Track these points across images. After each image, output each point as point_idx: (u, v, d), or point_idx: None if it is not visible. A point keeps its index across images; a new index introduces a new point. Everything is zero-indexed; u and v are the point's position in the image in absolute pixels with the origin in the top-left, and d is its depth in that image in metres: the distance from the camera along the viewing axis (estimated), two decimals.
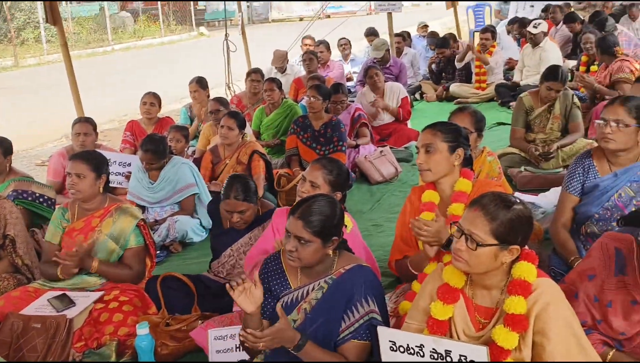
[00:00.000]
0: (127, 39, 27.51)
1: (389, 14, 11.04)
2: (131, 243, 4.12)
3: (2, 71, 18.98)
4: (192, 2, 33.01)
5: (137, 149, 6.85)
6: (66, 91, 10.26)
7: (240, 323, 3.34)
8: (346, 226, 3.13)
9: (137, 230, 4.14)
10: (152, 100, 7.18)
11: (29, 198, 4.98)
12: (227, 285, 2.78)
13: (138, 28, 29.23)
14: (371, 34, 12.48)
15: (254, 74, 8.38)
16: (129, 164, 6.01)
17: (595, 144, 3.97)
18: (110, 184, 4.42)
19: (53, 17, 7.14)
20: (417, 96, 11.09)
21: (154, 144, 5.63)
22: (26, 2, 23.77)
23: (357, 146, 7.21)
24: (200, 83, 8.00)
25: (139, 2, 31.57)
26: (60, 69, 18.20)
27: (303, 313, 2.92)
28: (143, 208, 5.61)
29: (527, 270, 2.59)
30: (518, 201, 2.63)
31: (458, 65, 10.86)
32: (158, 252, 4.95)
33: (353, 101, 8.11)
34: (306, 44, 11.30)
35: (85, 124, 5.97)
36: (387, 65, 10.07)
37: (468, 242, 2.56)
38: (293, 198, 6.13)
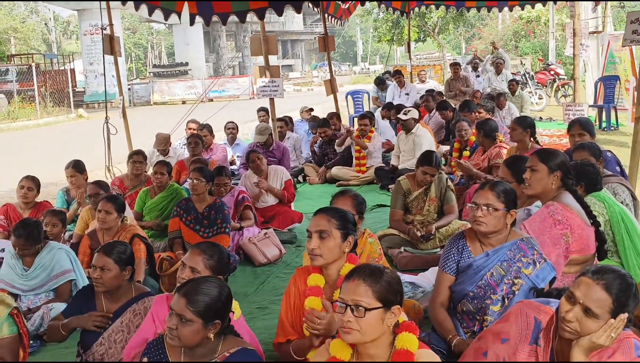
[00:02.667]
0: (0, 120, 26.58)
1: (271, 99, 11.29)
2: (4, 333, 3.89)
3: None
4: (70, 84, 32.49)
5: (10, 234, 6.56)
6: None
7: None
8: (234, 312, 3.12)
9: (10, 318, 3.92)
10: (30, 184, 6.94)
11: None
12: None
13: (12, 110, 28.32)
14: (262, 109, 12.81)
15: (136, 156, 8.29)
16: (2, 250, 5.75)
17: (469, 225, 4.18)
18: None
19: None
20: (300, 178, 11.30)
21: (28, 229, 5.40)
22: None
23: (241, 228, 7.22)
24: (77, 167, 7.78)
25: (14, 83, 30.67)
26: None
27: None
28: (15, 296, 5.34)
29: (409, 341, 2.74)
30: (386, 267, 2.81)
31: (338, 149, 11.20)
32: (31, 342, 4.71)
33: (237, 184, 8.16)
34: (190, 128, 11.35)
35: None
36: (270, 148, 10.25)
37: (355, 312, 2.65)
38: (176, 282, 6.00)
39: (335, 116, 12.19)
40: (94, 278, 4.09)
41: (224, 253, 3.73)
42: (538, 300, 3.23)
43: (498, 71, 16.89)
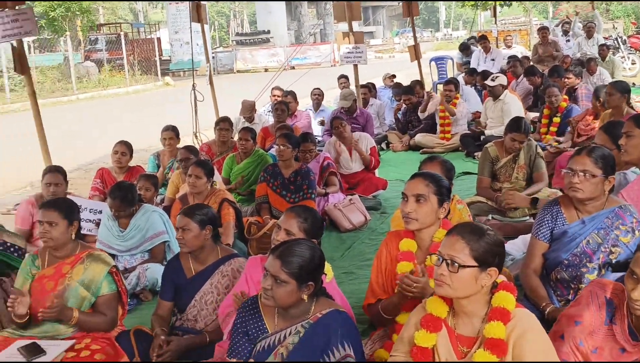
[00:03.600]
0: (91, 88, 27.48)
1: (355, 66, 11.24)
2: (104, 290, 4.07)
3: None
4: (157, 53, 33.22)
5: (106, 197, 6.82)
6: (30, 140, 10.19)
7: None
8: (326, 274, 3.17)
9: (109, 277, 4.10)
10: (124, 149, 7.18)
11: (0, 247, 4.92)
12: None
13: (103, 78, 29.23)
14: (343, 76, 12.83)
15: (223, 123, 8.44)
16: (100, 212, 5.97)
17: (559, 193, 4.08)
18: (81, 231, 4.40)
19: (21, 67, 7.13)
20: (384, 145, 11.26)
21: (123, 191, 5.61)
22: None
23: (326, 194, 7.28)
24: (175, 131, 8.04)
25: (103, 52, 31.61)
26: (24, 118, 18.14)
27: (280, 358, 2.93)
28: (113, 256, 5.56)
29: (506, 299, 2.73)
30: (490, 228, 2.81)
31: (421, 115, 11.09)
32: (128, 300, 4.89)
33: (321, 150, 8.21)
34: (275, 95, 11.44)
35: (56, 174, 5.93)
36: (354, 115, 10.23)
37: (449, 267, 2.66)
38: (263, 245, 6.15)
39: (418, 84, 12.04)
40: (178, 240, 4.21)
41: (317, 216, 3.78)
42: (611, 277, 3.17)
43: (589, 35, 16.25)
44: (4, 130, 17.23)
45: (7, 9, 6.75)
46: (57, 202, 4.21)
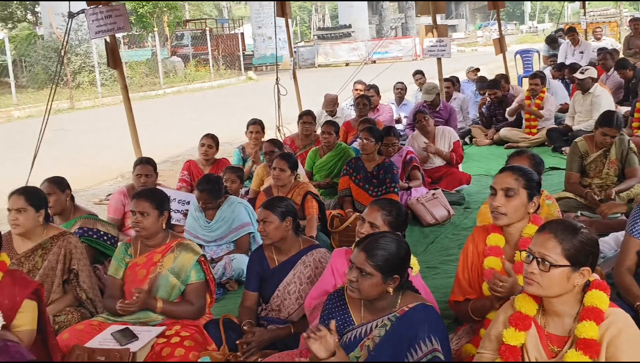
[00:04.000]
0: (178, 82, 28.19)
1: (438, 59, 11.13)
2: (192, 279, 4.19)
3: (58, 113, 19.51)
4: (241, 48, 33.74)
5: (193, 188, 7.00)
6: (120, 132, 10.52)
7: (300, 359, 3.37)
8: (412, 268, 3.16)
9: (197, 265, 4.21)
10: (210, 142, 7.35)
11: (94, 236, 5.13)
12: (304, 335, 2.85)
13: (188, 72, 29.93)
14: (418, 72, 12.71)
15: (306, 116, 8.52)
16: (188, 203, 6.14)
17: None
18: (170, 221, 4.53)
19: (114, 62, 7.38)
20: (467, 140, 11.11)
21: (210, 184, 5.74)
22: (82, 47, 24.57)
23: (409, 188, 7.25)
24: (261, 125, 8.17)
25: (189, 47, 32.35)
26: (114, 111, 18.80)
27: (366, 351, 2.94)
28: (200, 246, 5.69)
29: (599, 298, 2.64)
30: (584, 226, 2.69)
31: (510, 118, 10.85)
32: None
33: (404, 145, 8.17)
34: (357, 89, 11.45)
35: (147, 166, 6.12)
36: (437, 109, 10.13)
37: (540, 265, 2.60)
38: (346, 238, 6.17)
39: (503, 78, 11.80)
40: (259, 232, 4.28)
41: (402, 210, 3.77)
42: None
43: None
44: (96, 123, 17.90)
45: (100, 6, 7.00)
46: (148, 193, 4.35)
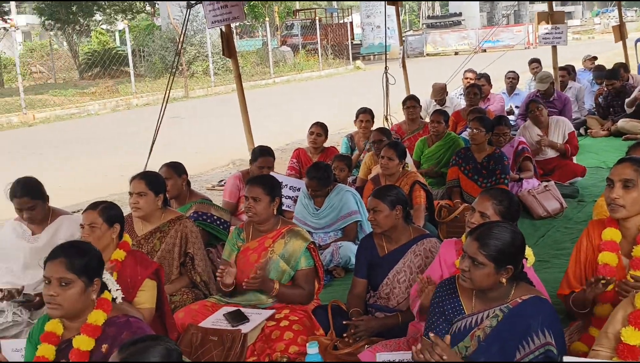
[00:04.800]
0: (287, 72, 28.61)
1: (553, 47, 10.78)
2: (302, 265, 4.27)
3: (173, 101, 20.23)
4: (349, 37, 33.82)
5: (301, 175, 7.12)
6: (231, 120, 10.80)
7: (409, 349, 3.38)
8: (527, 258, 3.10)
9: (307, 252, 4.29)
10: (320, 130, 7.43)
11: (208, 220, 5.32)
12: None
13: (298, 62, 30.32)
14: (534, 60, 12.34)
15: (409, 100, 8.54)
16: (298, 189, 6.24)
17: None
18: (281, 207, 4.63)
19: (229, 50, 7.59)
20: (582, 131, 10.71)
21: (320, 172, 5.82)
22: (197, 37, 25.31)
23: (520, 179, 7.08)
24: (371, 114, 8.20)
25: (298, 37, 32.76)
26: (227, 100, 19.28)
27: (476, 341, 2.91)
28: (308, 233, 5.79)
29: None
30: None
31: (628, 110, 10.38)
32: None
33: (515, 135, 7.98)
34: (467, 78, 11.25)
35: (269, 159, 6.27)
36: (551, 99, 9.82)
37: None
38: (454, 229, 6.10)
39: (622, 67, 11.29)
40: (369, 221, 4.29)
41: (514, 199, 3.70)
42: None
43: None
44: (209, 111, 18.45)
45: None
46: (262, 179, 4.46)
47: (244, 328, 3.95)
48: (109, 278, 3.04)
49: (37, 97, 20.93)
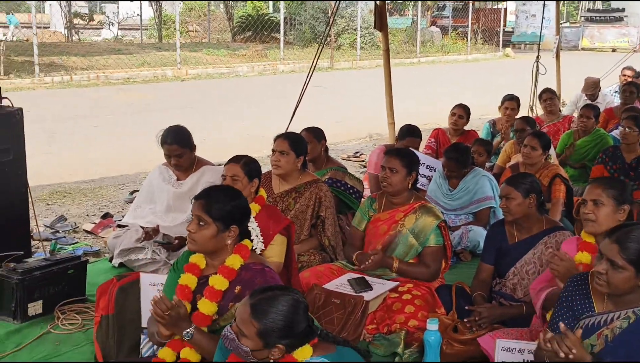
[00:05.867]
0: (433, 53, 28.28)
1: None
2: (431, 242, 4.27)
3: (318, 71, 20.49)
4: (501, 23, 32.95)
5: (437, 156, 7.06)
6: (373, 95, 10.84)
7: (531, 339, 3.32)
8: None
9: (437, 230, 4.28)
10: (462, 112, 7.32)
11: (342, 188, 5.41)
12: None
13: (445, 43, 29.88)
14: None
15: (545, 93, 8.36)
16: (434, 169, 6.20)
17: None
18: (416, 184, 4.63)
19: (381, 23, 7.62)
20: None
21: (459, 153, 5.76)
22: (348, 10, 25.50)
23: None
24: (517, 101, 8.00)
25: (449, 19, 32.26)
26: (370, 74, 19.34)
27: (603, 340, 2.81)
28: None
29: None
30: None
31: None
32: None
33: None
34: (625, 75, 10.70)
35: (414, 140, 6.26)
36: None
37: None
38: None
39: None
40: (501, 208, 4.20)
41: (623, 182, 3.56)
42: None
43: None
44: (352, 84, 18.60)
45: None
46: (400, 151, 4.49)
47: (367, 295, 4.01)
48: (254, 228, 3.18)
49: (192, 54, 21.85)
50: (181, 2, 25.83)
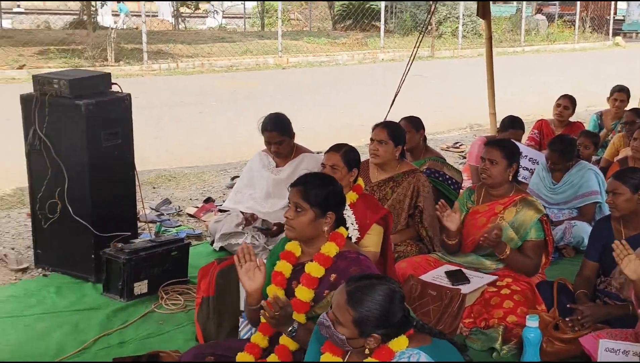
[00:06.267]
0: (538, 41, 27.42)
1: None
2: (531, 236, 4.15)
3: (418, 59, 20.24)
4: (612, 11, 31.59)
5: (541, 148, 6.86)
6: (475, 85, 10.62)
7: (637, 341, 3.20)
8: None
9: (539, 224, 4.16)
10: (567, 103, 7.10)
11: (440, 178, 5.35)
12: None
13: (551, 32, 28.90)
14: None
15: (618, 93, 7.73)
16: (537, 162, 6.03)
17: None
18: (518, 177, 4.52)
19: (483, 12, 7.47)
20: None
21: (564, 145, 5.60)
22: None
23: None
24: (627, 93, 7.64)
25: (556, 7, 31.20)
26: (472, 63, 18.99)
27: None
28: None
29: None
30: None
31: None
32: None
33: None
34: None
35: (517, 132, 6.19)
36: None
37: None
38: None
39: None
40: (608, 203, 4.06)
41: None
42: None
43: None
44: (453, 73, 18.31)
45: None
46: (501, 142, 4.40)
47: (464, 288, 3.95)
48: (350, 215, 3.20)
49: (293, 42, 22.05)
50: None
